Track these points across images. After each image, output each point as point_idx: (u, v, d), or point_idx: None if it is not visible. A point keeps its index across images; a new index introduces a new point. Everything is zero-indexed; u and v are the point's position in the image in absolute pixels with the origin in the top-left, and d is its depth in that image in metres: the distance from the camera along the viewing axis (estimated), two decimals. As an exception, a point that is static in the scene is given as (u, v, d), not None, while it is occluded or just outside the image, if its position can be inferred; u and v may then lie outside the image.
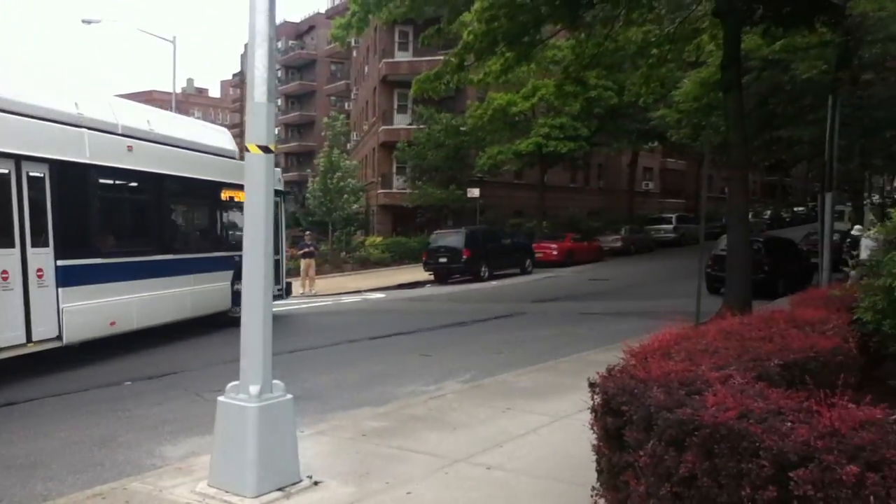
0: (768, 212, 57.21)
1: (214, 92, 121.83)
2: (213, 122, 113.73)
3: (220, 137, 15.93)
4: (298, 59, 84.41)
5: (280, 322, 15.20)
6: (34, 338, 9.75)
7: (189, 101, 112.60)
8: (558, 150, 35.11)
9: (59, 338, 10.17)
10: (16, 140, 9.48)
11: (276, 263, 15.54)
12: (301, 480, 5.10)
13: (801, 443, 2.73)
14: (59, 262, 10.14)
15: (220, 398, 5.08)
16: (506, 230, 35.21)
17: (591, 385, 3.91)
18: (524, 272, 29.95)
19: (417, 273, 29.08)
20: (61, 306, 10.11)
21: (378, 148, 43.04)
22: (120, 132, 11.72)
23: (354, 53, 61.51)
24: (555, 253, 32.81)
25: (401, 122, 42.23)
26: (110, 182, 11.64)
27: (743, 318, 5.76)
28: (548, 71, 24.07)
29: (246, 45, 6.07)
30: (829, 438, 2.72)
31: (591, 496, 3.81)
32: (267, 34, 5.01)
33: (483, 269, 27.91)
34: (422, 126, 38.33)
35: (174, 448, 6.64)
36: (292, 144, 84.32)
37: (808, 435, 2.75)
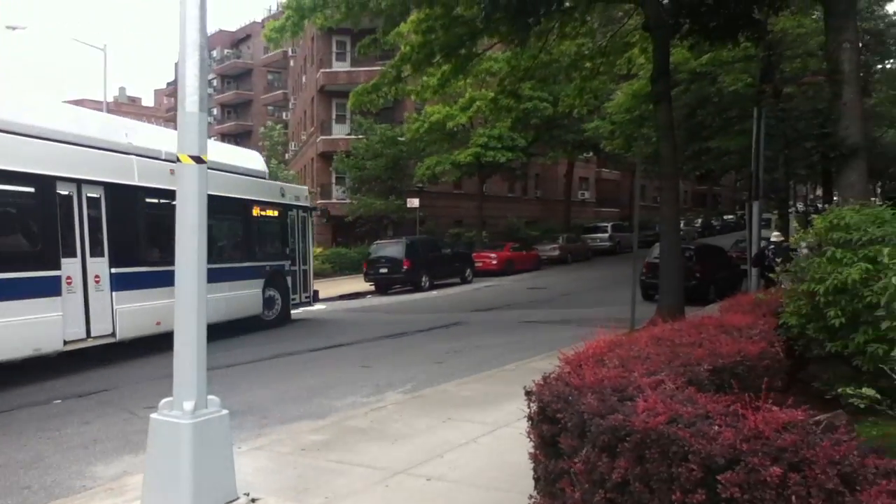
0: (699, 220, 58.79)
1: (148, 101, 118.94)
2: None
3: (252, 160, 17.81)
4: (234, 68, 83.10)
5: (218, 335, 14.89)
6: (93, 334, 11.55)
7: (121, 110, 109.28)
8: (496, 160, 35.49)
9: (114, 334, 11.98)
10: (76, 166, 11.39)
11: (305, 273, 18.46)
12: (238, 498, 5.00)
13: (728, 446, 2.80)
14: (113, 270, 11.98)
15: (153, 415, 4.95)
16: (446, 240, 35.38)
17: (528, 393, 3.95)
18: (464, 282, 30.11)
19: (358, 284, 28.91)
20: (115, 307, 11.91)
21: (317, 158, 42.68)
22: (163, 158, 13.12)
23: (292, 63, 60.99)
24: (494, 262, 33.12)
25: (339, 132, 41.99)
26: (155, 201, 13.10)
27: (674, 325, 5.91)
28: (485, 83, 24.38)
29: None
30: (754, 441, 2.79)
31: (529, 504, 3.84)
32: (198, 43, 4.93)
33: (423, 279, 27.93)
34: (360, 136, 38.23)
35: (105, 468, 6.43)
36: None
37: (734, 438, 2.81)
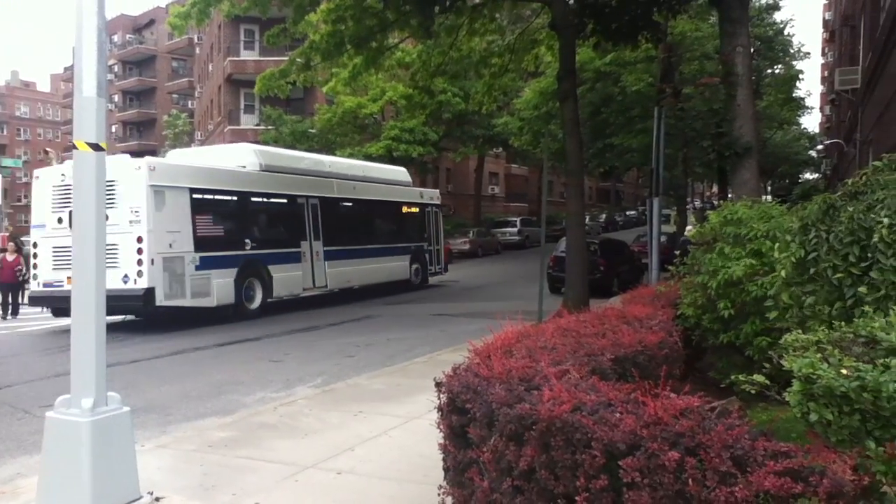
0: (603, 215, 60.52)
1: (44, 86, 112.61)
2: (41, 117, 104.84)
3: (402, 174, 25.06)
4: (137, 53, 79.65)
5: (114, 330, 14.31)
6: (316, 285, 19.00)
7: (14, 95, 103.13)
8: (408, 154, 35.50)
9: (326, 286, 19.43)
10: (306, 188, 18.94)
11: (438, 252, 25.57)
12: (141, 497, 4.84)
13: (629, 432, 2.90)
14: (325, 248, 19.34)
15: (49, 413, 4.73)
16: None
17: (438, 384, 4.00)
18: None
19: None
20: (326, 270, 19.23)
21: (223, 149, 41.52)
22: (350, 177, 21.12)
23: (198, 50, 59.01)
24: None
25: (248, 122, 41.01)
26: (346, 206, 20.66)
27: (579, 316, 6.08)
28: (396, 76, 24.43)
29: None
30: (653, 427, 2.89)
31: (439, 495, 3.89)
32: (96, 25, 4.73)
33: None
34: (270, 127, 37.43)
35: (-4, 472, 6.10)
36: (131, 143, 79.33)
37: (634, 425, 2.92)
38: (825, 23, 48.12)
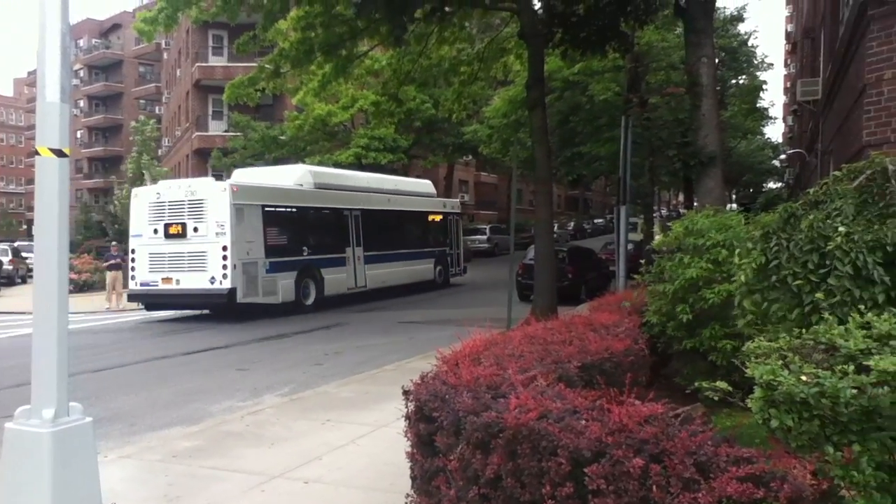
0: (572, 223, 60.92)
1: (7, 90, 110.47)
2: (3, 122, 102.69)
3: (427, 186, 28.04)
4: (103, 58, 78.26)
5: (81, 339, 14.04)
6: (358, 285, 21.54)
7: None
8: (378, 162, 35.42)
9: (365, 286, 21.74)
10: (349, 202, 21.74)
11: (458, 255, 28.12)
12: (103, 510, 4.76)
13: (594, 439, 2.92)
14: (365, 254, 21.89)
15: (8, 424, 4.62)
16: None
17: (405, 392, 3.99)
18: (346, 283, 29.89)
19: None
20: (366, 273, 21.54)
21: (192, 155, 41.05)
22: (384, 191, 23.90)
23: (165, 56, 58.33)
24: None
25: (216, 128, 40.62)
26: (381, 216, 22.94)
27: (547, 323, 6.13)
28: (366, 84, 24.41)
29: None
30: (618, 434, 2.92)
31: (406, 503, 3.88)
32: (60, 28, 4.64)
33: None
34: (238, 133, 37.12)
35: (-49, 486, 5.94)
36: (97, 149, 78.08)
37: (600, 432, 2.94)
38: (787, 35, 49.13)
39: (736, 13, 34.82)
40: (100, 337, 15.65)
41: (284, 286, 18.62)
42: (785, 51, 55.69)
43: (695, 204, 12.84)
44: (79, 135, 76.73)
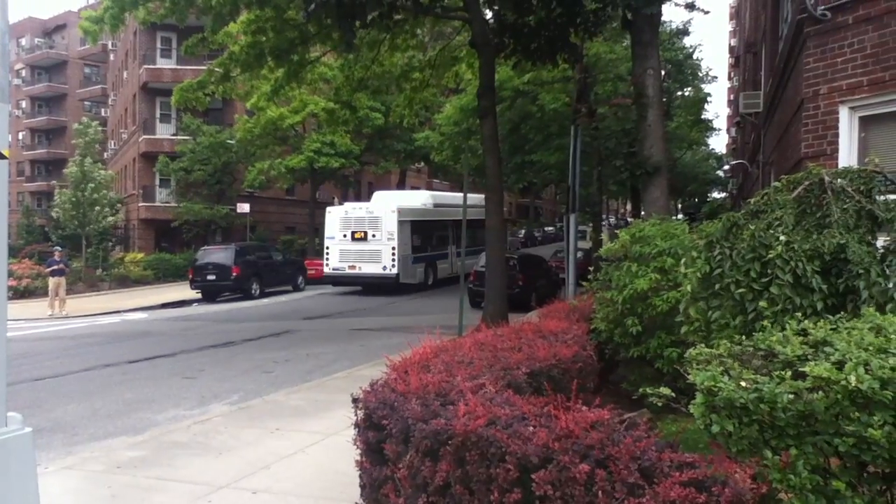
0: (522, 231, 61.39)
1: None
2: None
3: (457, 198, 30.07)
4: (47, 58, 75.94)
5: (21, 347, 13.60)
6: (454, 272, 28.25)
7: None
8: (329, 166, 35.19)
9: (458, 274, 20.67)
10: (450, 216, 28.86)
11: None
12: (41, 525, 4.63)
13: (542, 445, 2.94)
14: (457, 250, 25.89)
15: (-59, 438, 4.46)
16: (277, 247, 34.56)
17: (355, 400, 3.97)
18: (296, 289, 29.55)
19: (184, 291, 27.50)
20: (462, 264, 21.18)
21: (139, 158, 40.11)
22: (430, 204, 29.43)
23: (112, 57, 56.94)
24: (327, 269, 33.02)
25: (164, 132, 39.79)
26: (428, 225, 28.40)
27: (497, 330, 6.16)
28: (319, 90, 24.24)
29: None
30: (565, 440, 2.95)
31: (355, 511, 3.86)
32: (-3, 26, 4.51)
33: (254, 286, 27.15)
34: (187, 137, 36.45)
35: None
36: (39, 151, 75.72)
37: (547, 438, 2.97)
38: (731, 49, 50.55)
39: (682, 27, 35.70)
40: (41, 345, 15.18)
41: (420, 272, 27.67)
42: (728, 64, 57.28)
43: (641, 213, 13.06)
44: (20, 136, 74.37)
